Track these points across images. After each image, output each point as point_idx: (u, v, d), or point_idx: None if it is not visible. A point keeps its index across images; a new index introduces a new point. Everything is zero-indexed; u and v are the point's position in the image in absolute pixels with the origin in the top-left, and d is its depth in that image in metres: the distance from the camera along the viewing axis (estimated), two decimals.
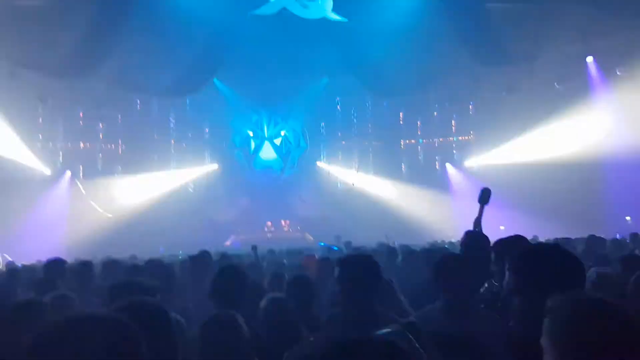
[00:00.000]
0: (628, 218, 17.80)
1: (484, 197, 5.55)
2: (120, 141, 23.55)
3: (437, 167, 24.76)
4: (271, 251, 9.86)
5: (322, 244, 16.27)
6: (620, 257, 4.43)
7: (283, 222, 23.35)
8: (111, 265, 5.88)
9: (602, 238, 7.18)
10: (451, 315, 2.93)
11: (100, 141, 23.23)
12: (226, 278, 3.50)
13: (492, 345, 2.42)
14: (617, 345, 1.48)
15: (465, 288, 3.06)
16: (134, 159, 23.25)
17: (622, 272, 3.96)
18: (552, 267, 2.15)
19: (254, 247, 8.48)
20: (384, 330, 2.03)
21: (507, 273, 2.32)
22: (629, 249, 6.53)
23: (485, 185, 5.76)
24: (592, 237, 7.04)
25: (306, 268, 6.23)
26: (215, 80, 22.79)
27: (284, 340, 2.95)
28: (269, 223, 23.18)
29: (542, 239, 9.63)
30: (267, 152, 24.65)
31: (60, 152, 22.50)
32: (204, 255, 5.67)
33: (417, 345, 1.81)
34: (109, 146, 23.45)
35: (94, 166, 22.90)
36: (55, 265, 5.56)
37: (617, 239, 8.08)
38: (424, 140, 25.10)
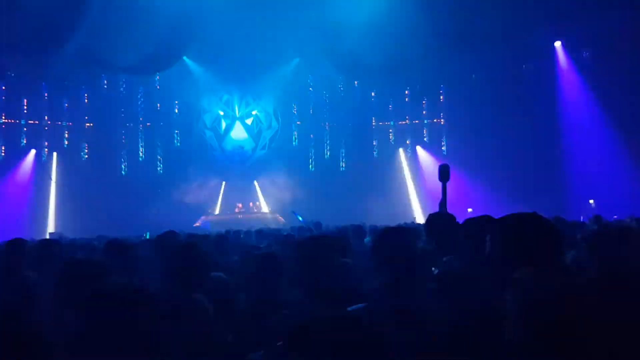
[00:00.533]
0: (591, 201, 18.22)
1: (444, 173, 5.54)
2: (86, 119, 23.01)
3: (408, 149, 24.92)
4: (237, 232, 9.75)
5: (296, 213, 16.44)
6: (583, 237, 4.45)
7: (251, 204, 23.24)
8: (70, 245, 5.73)
9: (567, 220, 7.31)
10: (394, 290, 2.91)
11: (65, 119, 22.67)
12: (180, 257, 3.34)
13: (436, 321, 2.42)
14: (570, 320, 1.52)
15: (406, 263, 3.03)
16: (100, 137, 22.79)
17: (588, 251, 3.99)
18: (536, 235, 2.15)
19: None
20: (354, 307, 2.03)
21: (488, 244, 2.31)
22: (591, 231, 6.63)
23: (445, 163, 5.75)
24: (557, 219, 7.13)
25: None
26: (185, 58, 22.39)
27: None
28: (240, 204, 23.05)
29: None
30: (238, 133, 24.41)
31: (25, 130, 21.92)
32: (169, 235, 5.58)
33: (383, 320, 1.82)
34: (74, 124, 22.89)
35: (59, 144, 22.38)
36: (15, 246, 5.42)
37: (580, 221, 8.24)
38: (396, 122, 25.19)
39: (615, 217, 11.82)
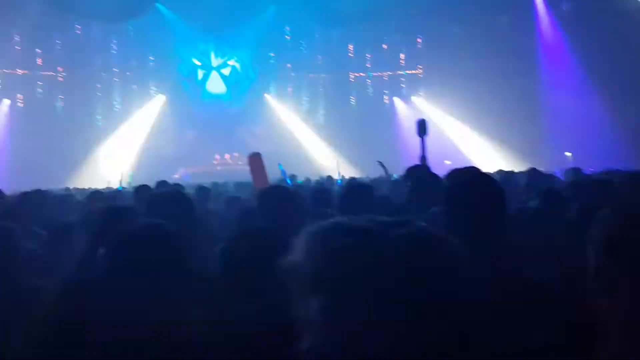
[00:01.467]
0: (568, 154, 18.47)
1: (422, 128, 5.55)
2: (60, 68, 22.39)
3: (385, 101, 24.83)
4: (215, 184, 9.77)
5: (281, 167, 16.55)
6: (539, 192, 4.43)
7: (227, 155, 23.08)
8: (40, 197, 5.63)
9: (543, 172, 7.41)
10: None
11: (38, 68, 22.03)
12: (167, 203, 3.17)
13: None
14: None
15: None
16: (75, 87, 22.27)
17: (541, 205, 4.00)
18: (476, 187, 2.21)
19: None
20: None
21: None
22: (558, 183, 6.69)
23: (422, 117, 5.76)
24: (534, 171, 7.24)
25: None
26: (158, 5, 21.73)
27: None
28: (218, 156, 22.94)
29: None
30: (215, 83, 24.03)
31: None
32: (145, 187, 5.58)
33: None
34: (48, 73, 22.28)
35: (33, 94, 21.84)
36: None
37: (553, 174, 8.34)
38: (373, 74, 24.99)
39: (592, 169, 12.04)
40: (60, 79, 22.41)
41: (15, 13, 19.06)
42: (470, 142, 19.70)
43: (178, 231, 1.79)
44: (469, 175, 2.27)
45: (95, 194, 6.28)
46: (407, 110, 23.89)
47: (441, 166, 5.72)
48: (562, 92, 19.22)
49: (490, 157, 18.35)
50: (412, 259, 0.73)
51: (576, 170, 8.34)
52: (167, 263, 1.69)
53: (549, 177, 7.09)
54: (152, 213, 3.26)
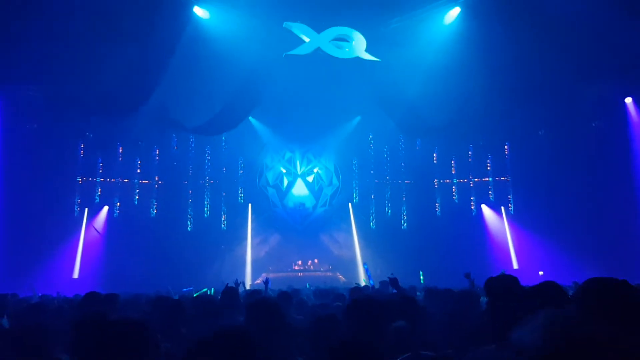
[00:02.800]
0: None
1: None
2: (156, 177, 23.94)
3: (472, 208, 24.30)
4: (296, 291, 9.68)
5: (366, 266, 16.42)
6: None
7: (309, 262, 23.13)
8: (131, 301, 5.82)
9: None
10: None
11: (137, 177, 23.68)
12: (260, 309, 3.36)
13: None
14: None
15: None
16: (169, 194, 23.59)
17: None
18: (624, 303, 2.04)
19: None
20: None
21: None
22: None
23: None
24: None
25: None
26: (250, 118, 23.14)
27: None
28: (300, 262, 23.07)
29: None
30: (300, 190, 24.69)
31: (99, 187, 23.02)
32: (231, 290, 5.66)
33: None
34: (145, 182, 23.86)
35: (130, 201, 23.30)
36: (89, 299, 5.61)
37: None
38: (459, 180, 24.74)
39: None
40: (156, 186, 23.88)
41: (120, 127, 20.92)
42: (561, 251, 18.61)
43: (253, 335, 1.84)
44: (617, 286, 2.16)
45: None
46: (496, 217, 23.23)
47: (535, 277, 5.39)
48: None
49: (585, 267, 17.21)
50: None
51: None
52: None
53: None
54: (249, 319, 3.49)
